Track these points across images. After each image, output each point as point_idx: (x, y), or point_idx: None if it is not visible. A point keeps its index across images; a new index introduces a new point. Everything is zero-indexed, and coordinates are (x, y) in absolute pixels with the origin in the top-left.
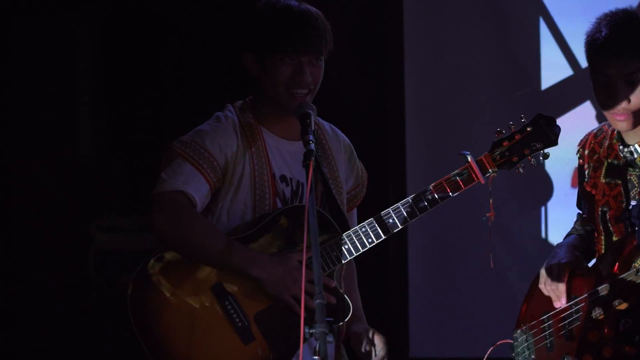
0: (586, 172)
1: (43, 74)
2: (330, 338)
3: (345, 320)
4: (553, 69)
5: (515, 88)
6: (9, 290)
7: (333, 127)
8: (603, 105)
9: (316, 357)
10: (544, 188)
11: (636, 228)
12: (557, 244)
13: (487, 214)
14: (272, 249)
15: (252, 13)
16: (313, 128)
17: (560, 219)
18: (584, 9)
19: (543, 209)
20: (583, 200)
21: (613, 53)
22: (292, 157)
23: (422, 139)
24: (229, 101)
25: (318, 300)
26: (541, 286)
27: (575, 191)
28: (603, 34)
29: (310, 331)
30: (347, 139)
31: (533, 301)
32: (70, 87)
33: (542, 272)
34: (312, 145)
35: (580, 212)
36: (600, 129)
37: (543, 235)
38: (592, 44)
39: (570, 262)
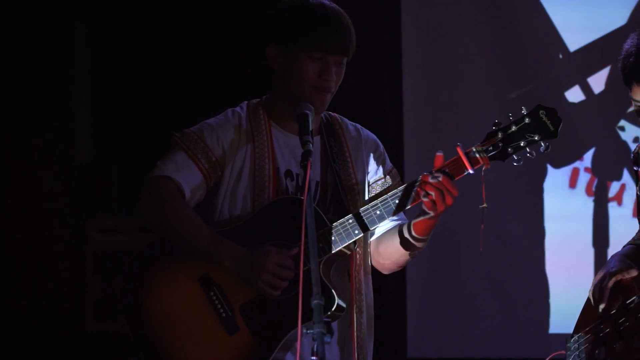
0: None
1: (41, 74)
2: (327, 339)
3: (329, 313)
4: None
5: (515, 89)
6: (7, 290)
7: (357, 126)
8: None
9: (314, 358)
10: (543, 190)
11: None
12: (612, 255)
13: (480, 206)
14: (260, 240)
15: (283, 5)
16: (311, 128)
17: (560, 221)
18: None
19: (542, 211)
20: None
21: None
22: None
23: (421, 140)
24: (228, 101)
25: (316, 301)
26: (589, 295)
27: (574, 192)
28: (631, 59)
29: (308, 332)
30: (372, 137)
31: (587, 310)
32: (68, 88)
33: (593, 280)
34: (310, 146)
35: None
36: None
37: (542, 238)
38: (623, 68)
39: (618, 270)
